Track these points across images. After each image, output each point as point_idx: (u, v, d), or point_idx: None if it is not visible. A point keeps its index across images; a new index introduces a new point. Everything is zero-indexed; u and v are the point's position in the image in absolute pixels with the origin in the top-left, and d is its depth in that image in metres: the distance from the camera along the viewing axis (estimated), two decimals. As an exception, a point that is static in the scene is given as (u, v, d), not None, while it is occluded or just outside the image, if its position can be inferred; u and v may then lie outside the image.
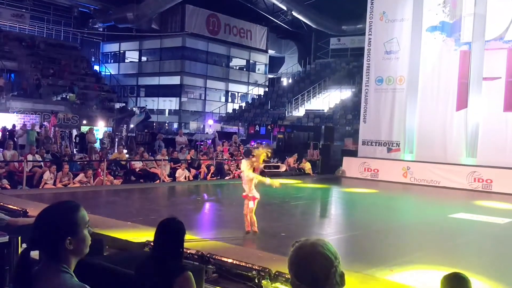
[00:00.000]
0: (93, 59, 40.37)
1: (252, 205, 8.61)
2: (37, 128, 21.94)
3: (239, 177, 18.63)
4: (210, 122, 34.91)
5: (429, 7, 20.44)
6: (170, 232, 3.43)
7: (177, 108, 38.39)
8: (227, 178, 18.21)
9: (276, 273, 5.63)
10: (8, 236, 4.79)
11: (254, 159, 8.65)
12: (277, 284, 5.19)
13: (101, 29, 39.95)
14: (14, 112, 25.07)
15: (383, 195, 16.99)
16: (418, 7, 20.64)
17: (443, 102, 19.90)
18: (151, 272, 3.39)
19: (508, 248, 9.34)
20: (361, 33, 28.47)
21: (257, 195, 8.67)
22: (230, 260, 6.23)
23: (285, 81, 41.01)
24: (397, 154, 21.01)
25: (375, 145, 21.54)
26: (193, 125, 36.93)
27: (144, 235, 7.33)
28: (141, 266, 3.54)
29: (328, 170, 21.81)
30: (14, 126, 21.79)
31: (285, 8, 36.87)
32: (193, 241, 7.19)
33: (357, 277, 5.87)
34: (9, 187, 12.94)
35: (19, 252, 4.25)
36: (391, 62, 21.44)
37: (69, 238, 2.02)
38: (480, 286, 5.82)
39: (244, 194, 8.72)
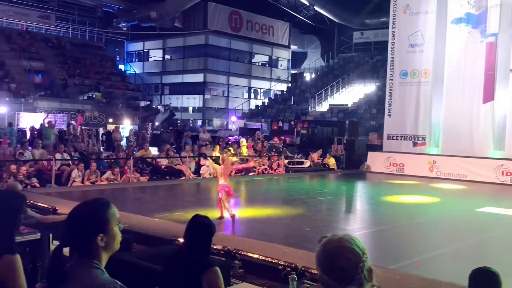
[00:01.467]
0: (118, 58, 40.86)
1: (223, 195, 9.40)
2: (63, 126, 22.32)
3: (263, 173, 18.76)
4: (233, 118, 35.01)
5: (454, -1, 20.14)
6: (201, 228, 3.49)
7: (201, 105, 38.63)
8: (251, 174, 18.26)
9: (303, 269, 5.65)
10: (39, 233, 4.91)
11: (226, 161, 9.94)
12: (304, 280, 5.21)
13: (125, 29, 40.40)
14: (41, 112, 25.53)
15: (409, 189, 16.81)
16: (443, -1, 20.36)
17: (469, 94, 19.60)
18: (179, 267, 3.45)
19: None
20: (384, 27, 28.19)
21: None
22: (256, 256, 6.27)
23: (308, 76, 40.86)
24: (422, 148, 20.78)
25: (400, 139, 21.33)
26: (216, 122, 37.12)
27: (171, 231, 7.42)
28: (169, 262, 3.60)
29: (353, 165, 21.68)
30: (41, 125, 22.19)
31: (307, 3, 36.73)
32: (219, 237, 7.25)
33: (384, 272, 5.85)
34: (38, 185, 13.21)
35: (51, 248, 4.37)
36: (416, 55, 21.19)
37: (100, 235, 2.07)
38: (508, 282, 5.74)
39: (220, 184, 9.53)
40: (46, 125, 19.65)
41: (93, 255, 2.09)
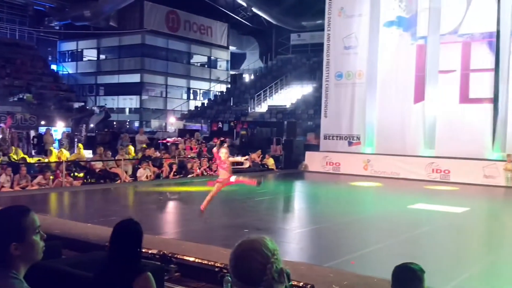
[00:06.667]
0: (50, 58, 39.44)
1: (234, 178, 10.23)
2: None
3: (203, 174, 18.63)
4: (172, 120, 34.61)
5: (386, 2, 20.81)
6: (126, 234, 3.39)
7: (138, 106, 37.93)
8: (190, 176, 18.11)
9: (238, 270, 5.62)
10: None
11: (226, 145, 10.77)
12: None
13: (57, 28, 39.03)
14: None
15: (345, 188, 17.21)
16: (375, 2, 21.00)
17: (401, 95, 20.32)
18: (110, 274, 3.35)
19: (464, 237, 9.62)
20: (320, 29, 28.69)
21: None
22: (192, 259, 6.21)
23: (247, 77, 41.02)
24: (357, 148, 21.35)
25: (336, 139, 21.82)
26: (154, 124, 36.54)
27: (104, 236, 7.22)
28: (99, 269, 3.49)
29: (291, 165, 21.97)
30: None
31: (245, 5, 36.85)
32: (155, 241, 7.13)
33: (318, 269, 5.95)
34: (-37, 191, 12.52)
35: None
36: (350, 57, 21.74)
37: (14, 243, 1.97)
38: (434, 276, 5.97)
39: (220, 179, 10.16)
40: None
41: (9, 264, 1.99)
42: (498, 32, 18.71)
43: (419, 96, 20.05)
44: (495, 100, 18.77)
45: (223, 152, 10.29)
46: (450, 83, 19.34)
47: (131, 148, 19.35)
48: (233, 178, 10.22)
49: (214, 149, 11.06)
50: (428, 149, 19.74)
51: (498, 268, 7.36)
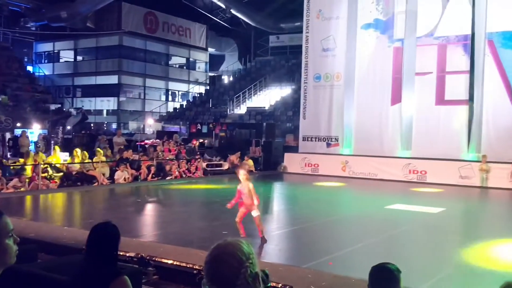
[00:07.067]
0: (26, 59, 38.84)
1: (256, 213, 8.22)
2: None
3: (181, 176, 18.53)
4: (150, 121, 34.38)
5: (363, 5, 20.99)
6: (103, 237, 3.36)
7: (116, 108, 37.58)
8: (168, 178, 18.01)
9: (217, 272, 5.61)
10: None
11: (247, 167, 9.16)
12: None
13: (33, 28, 38.47)
14: None
15: (324, 189, 17.30)
16: (353, 5, 21.16)
17: (378, 97, 20.52)
18: (86, 278, 3.31)
19: (440, 237, 9.74)
20: (299, 31, 28.84)
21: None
22: (170, 261, 6.18)
23: (226, 79, 40.98)
24: (336, 149, 21.48)
25: (315, 140, 21.93)
26: (132, 125, 36.25)
27: (81, 239, 7.13)
28: (76, 272, 3.45)
29: (270, 167, 22.01)
30: None
31: (223, 6, 36.80)
32: (133, 243, 7.07)
33: (297, 271, 5.97)
34: None
35: None
36: (328, 59, 21.88)
37: None
38: (410, 276, 6.04)
39: (245, 203, 8.21)
40: None
41: (-19, 269, 1.96)
42: (473, 34, 19.02)
43: (396, 98, 20.27)
44: (470, 102, 19.08)
45: (241, 174, 8.26)
46: (426, 85, 19.60)
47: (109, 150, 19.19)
48: (255, 214, 8.22)
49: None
50: (405, 150, 19.97)
51: (473, 268, 7.47)
